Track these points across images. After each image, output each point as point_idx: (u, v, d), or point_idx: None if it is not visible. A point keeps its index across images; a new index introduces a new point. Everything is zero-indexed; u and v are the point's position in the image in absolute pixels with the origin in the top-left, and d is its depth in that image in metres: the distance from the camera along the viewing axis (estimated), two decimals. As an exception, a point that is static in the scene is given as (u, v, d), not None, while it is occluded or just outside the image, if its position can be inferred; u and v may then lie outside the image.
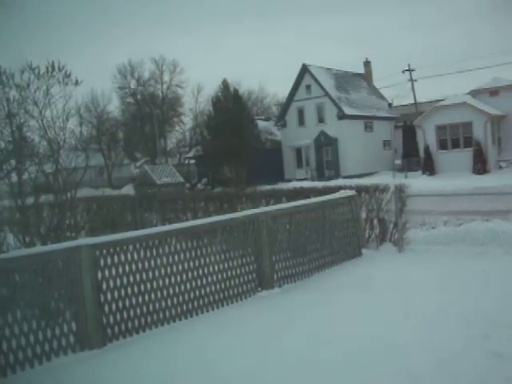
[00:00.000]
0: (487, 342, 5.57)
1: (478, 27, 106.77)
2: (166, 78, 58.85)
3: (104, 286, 6.64)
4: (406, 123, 41.93)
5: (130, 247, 6.99)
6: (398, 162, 40.91)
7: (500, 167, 33.77)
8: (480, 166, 32.78)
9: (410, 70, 55.38)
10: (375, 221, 11.62)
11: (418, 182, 23.88)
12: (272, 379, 5.14)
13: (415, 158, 38.08)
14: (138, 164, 63.73)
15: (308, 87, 44.24)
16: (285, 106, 47.07)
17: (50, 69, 9.33)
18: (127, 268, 6.89)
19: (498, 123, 34.69)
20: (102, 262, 6.65)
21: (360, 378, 4.98)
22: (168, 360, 5.83)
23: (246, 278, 8.39)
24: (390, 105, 49.75)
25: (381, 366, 5.20)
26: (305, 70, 44.15)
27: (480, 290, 7.47)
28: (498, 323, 6.03)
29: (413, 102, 54.08)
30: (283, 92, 78.80)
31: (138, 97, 58.58)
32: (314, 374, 5.17)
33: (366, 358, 5.38)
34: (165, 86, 58.96)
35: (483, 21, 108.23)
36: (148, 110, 55.04)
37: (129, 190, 40.29)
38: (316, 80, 43.53)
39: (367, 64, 50.90)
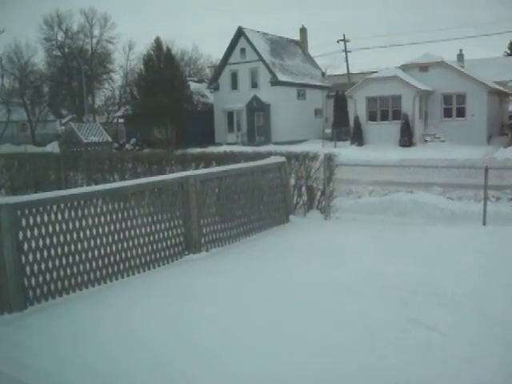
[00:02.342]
0: (405, 308, 5.81)
1: (415, 2, 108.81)
2: (96, 32, 56.63)
3: (26, 246, 6.40)
4: (338, 93, 42.50)
5: (54, 207, 6.75)
6: (329, 131, 41.59)
7: (425, 141, 35.00)
8: (406, 138, 33.84)
9: (344, 41, 55.96)
10: (304, 188, 11.79)
11: (346, 152, 24.36)
12: (188, 341, 5.16)
13: (345, 128, 38.80)
14: (63, 121, 61.44)
15: (243, 51, 43.86)
16: (218, 69, 46.53)
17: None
18: (50, 229, 6.66)
19: (425, 98, 35.76)
20: (23, 223, 6.39)
21: (283, 343, 5.08)
22: (89, 323, 5.73)
23: (173, 241, 8.33)
24: (323, 74, 50.19)
25: (301, 332, 5.32)
26: (240, 33, 43.65)
27: (400, 258, 7.75)
28: (416, 291, 6.30)
29: (346, 72, 54.81)
30: (217, 54, 77.73)
31: (66, 50, 56.06)
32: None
33: (291, 322, 5.50)
34: (94, 40, 56.75)
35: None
36: (76, 65, 52.77)
37: (53, 147, 38.94)
38: (251, 44, 43.19)
39: (303, 31, 50.89)
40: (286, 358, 4.75)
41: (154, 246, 8.00)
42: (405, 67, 36.45)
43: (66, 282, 6.81)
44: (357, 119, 35.98)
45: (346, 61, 55.94)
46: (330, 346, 4.95)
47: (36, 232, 6.51)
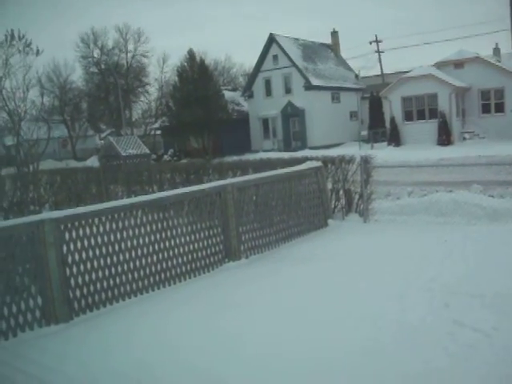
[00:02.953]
0: (447, 309, 5.72)
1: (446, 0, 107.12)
2: (131, 47, 57.43)
3: (69, 259, 6.59)
4: (373, 94, 42.11)
5: (96, 220, 6.92)
6: (365, 132, 41.20)
7: (464, 139, 34.32)
8: (444, 137, 33.24)
9: (377, 41, 55.58)
10: (341, 192, 11.74)
11: (383, 153, 24.14)
12: (228, 353, 5.20)
13: (381, 129, 38.41)
14: (102, 135, 62.67)
15: (275, 57, 43.93)
16: (251, 77, 46.70)
17: (9, 38, 9.05)
18: (93, 241, 6.83)
19: (462, 95, 35.11)
20: (66, 236, 6.58)
21: (326, 346, 5.08)
22: (133, 333, 5.83)
23: (213, 249, 8.41)
24: (356, 76, 49.84)
25: (346, 336, 5.30)
26: (272, 39, 43.75)
27: (442, 259, 7.63)
28: (457, 292, 6.20)
29: (379, 73, 54.35)
30: (250, 62, 78.14)
31: (102, 66, 57.09)
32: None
33: (332, 328, 5.48)
34: (129, 55, 57.49)
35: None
36: (112, 80, 53.69)
37: (93, 161, 39.71)
38: (283, 50, 43.22)
39: (334, 34, 50.68)
40: (321, 359, 4.75)
41: (194, 255, 8.10)
42: (439, 65, 35.89)
43: (110, 293, 6.97)
44: (393, 120, 35.56)
45: (380, 61, 55.54)
46: (371, 349, 4.93)
47: (79, 245, 6.69)
